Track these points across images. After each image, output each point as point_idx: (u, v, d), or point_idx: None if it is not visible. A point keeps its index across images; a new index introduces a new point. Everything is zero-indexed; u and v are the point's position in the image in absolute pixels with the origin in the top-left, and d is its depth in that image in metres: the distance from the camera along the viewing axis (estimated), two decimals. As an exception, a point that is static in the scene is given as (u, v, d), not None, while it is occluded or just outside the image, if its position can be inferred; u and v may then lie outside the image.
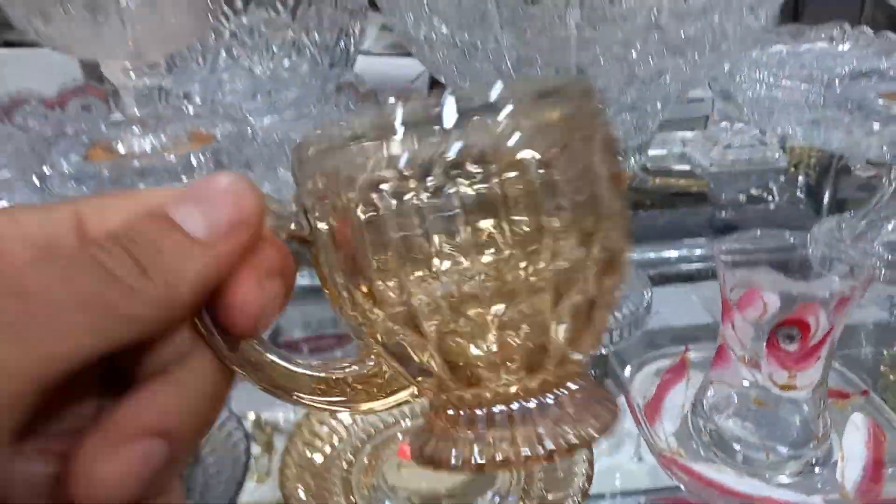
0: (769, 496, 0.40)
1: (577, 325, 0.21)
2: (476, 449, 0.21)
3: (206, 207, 0.19)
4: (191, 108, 0.58)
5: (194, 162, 0.50)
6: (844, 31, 0.79)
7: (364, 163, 0.19)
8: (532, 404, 0.21)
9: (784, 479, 0.41)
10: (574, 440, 0.20)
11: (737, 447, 0.42)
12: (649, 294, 0.57)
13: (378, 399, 0.23)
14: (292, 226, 0.21)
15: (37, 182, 0.48)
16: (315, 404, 0.23)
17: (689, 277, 0.71)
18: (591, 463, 0.41)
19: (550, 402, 0.21)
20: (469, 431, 0.21)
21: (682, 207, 0.93)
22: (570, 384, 0.22)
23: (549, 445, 0.20)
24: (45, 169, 0.50)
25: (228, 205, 0.19)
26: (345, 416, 0.47)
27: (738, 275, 0.39)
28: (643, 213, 0.89)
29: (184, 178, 0.51)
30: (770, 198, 0.86)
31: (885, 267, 0.59)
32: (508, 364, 0.21)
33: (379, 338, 0.21)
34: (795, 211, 0.87)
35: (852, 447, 0.41)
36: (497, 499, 0.42)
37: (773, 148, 0.87)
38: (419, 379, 0.22)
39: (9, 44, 1.64)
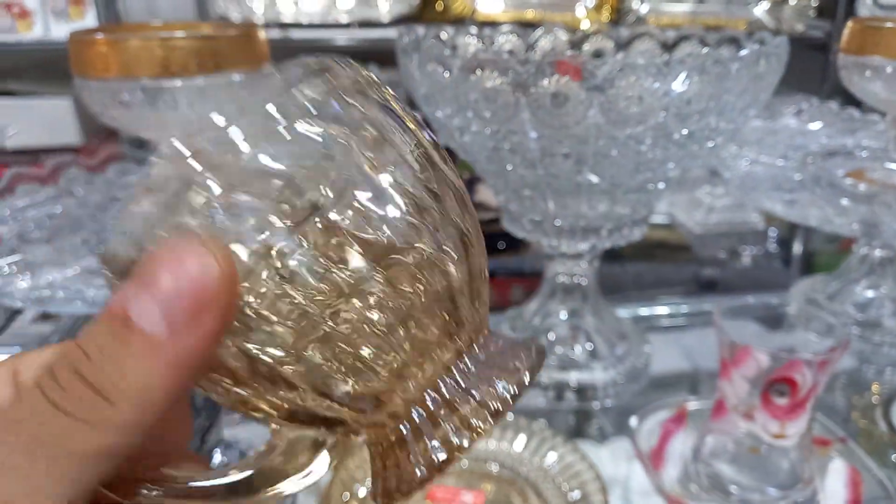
0: (764, 533, 0.45)
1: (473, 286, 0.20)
2: (433, 448, 0.20)
3: (162, 295, 0.16)
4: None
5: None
6: (812, 105, 0.87)
7: None
8: (458, 376, 0.20)
9: (775, 517, 0.47)
10: (514, 390, 0.20)
11: (733, 489, 0.48)
12: (649, 350, 0.63)
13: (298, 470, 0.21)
14: None
15: (101, 247, 0.53)
16: None
17: (673, 328, 0.78)
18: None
19: (473, 365, 0.21)
20: (417, 440, 0.20)
21: (663, 259, 1.00)
22: (481, 339, 0.21)
23: (496, 406, 0.20)
24: (104, 234, 0.55)
25: (186, 284, 0.16)
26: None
27: (735, 336, 0.45)
28: (630, 268, 0.96)
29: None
30: (749, 256, 0.94)
31: (855, 325, 0.65)
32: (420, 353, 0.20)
33: (275, 406, 0.19)
34: (772, 268, 0.94)
35: (833, 489, 0.47)
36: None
37: (751, 210, 0.95)
38: (342, 418, 0.20)
39: (6, 93, 1.68)
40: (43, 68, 1.58)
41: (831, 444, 0.50)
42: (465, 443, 0.19)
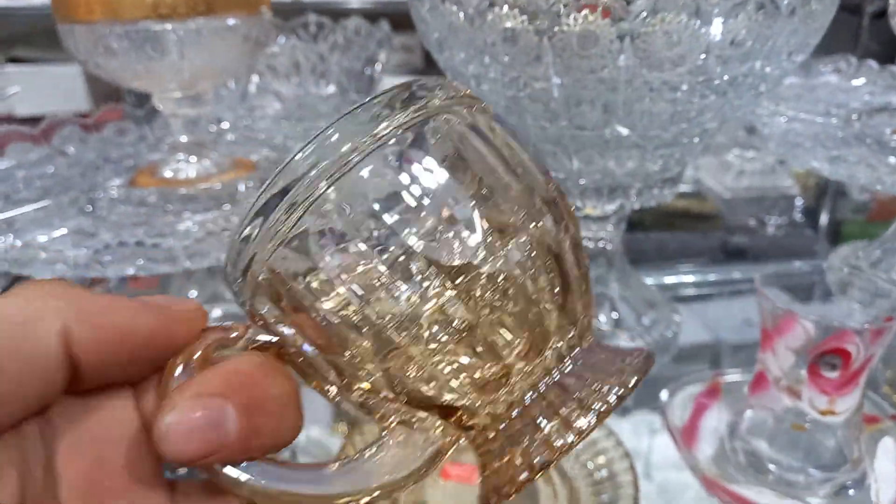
0: (806, 517, 0.41)
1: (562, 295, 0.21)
2: (534, 450, 0.20)
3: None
4: (231, 135, 0.59)
5: (241, 189, 0.52)
6: (851, 64, 0.82)
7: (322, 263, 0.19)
8: (559, 378, 0.21)
9: (818, 501, 0.43)
10: (618, 391, 0.20)
11: (772, 469, 0.44)
12: (679, 319, 0.59)
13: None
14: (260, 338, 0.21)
15: (90, 207, 0.50)
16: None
17: (696, 297, 0.74)
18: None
19: (575, 367, 0.21)
20: (518, 442, 0.20)
21: (687, 228, 0.95)
22: (584, 343, 0.22)
23: (599, 406, 0.20)
24: (95, 194, 0.52)
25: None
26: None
27: (779, 304, 0.41)
28: (653, 236, 0.92)
29: (227, 206, 0.52)
30: (780, 223, 0.89)
31: (901, 294, 0.61)
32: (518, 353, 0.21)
33: (392, 397, 0.21)
34: (802, 235, 0.89)
35: (886, 471, 0.43)
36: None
37: (783, 175, 0.90)
38: (448, 413, 0.21)
39: (15, 60, 1.65)
40: (50, 35, 1.55)
41: (880, 421, 0.46)
42: (566, 442, 0.20)
